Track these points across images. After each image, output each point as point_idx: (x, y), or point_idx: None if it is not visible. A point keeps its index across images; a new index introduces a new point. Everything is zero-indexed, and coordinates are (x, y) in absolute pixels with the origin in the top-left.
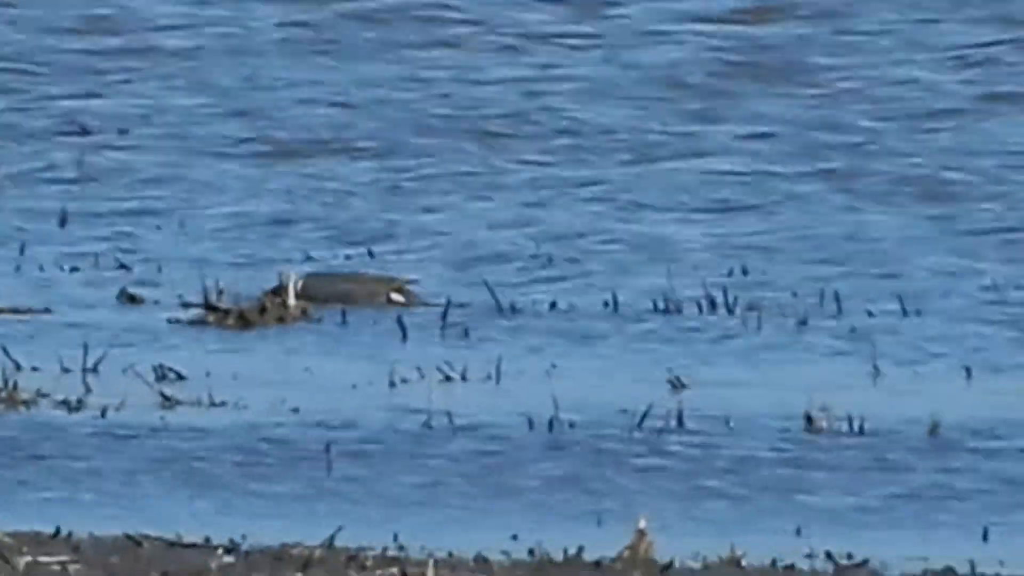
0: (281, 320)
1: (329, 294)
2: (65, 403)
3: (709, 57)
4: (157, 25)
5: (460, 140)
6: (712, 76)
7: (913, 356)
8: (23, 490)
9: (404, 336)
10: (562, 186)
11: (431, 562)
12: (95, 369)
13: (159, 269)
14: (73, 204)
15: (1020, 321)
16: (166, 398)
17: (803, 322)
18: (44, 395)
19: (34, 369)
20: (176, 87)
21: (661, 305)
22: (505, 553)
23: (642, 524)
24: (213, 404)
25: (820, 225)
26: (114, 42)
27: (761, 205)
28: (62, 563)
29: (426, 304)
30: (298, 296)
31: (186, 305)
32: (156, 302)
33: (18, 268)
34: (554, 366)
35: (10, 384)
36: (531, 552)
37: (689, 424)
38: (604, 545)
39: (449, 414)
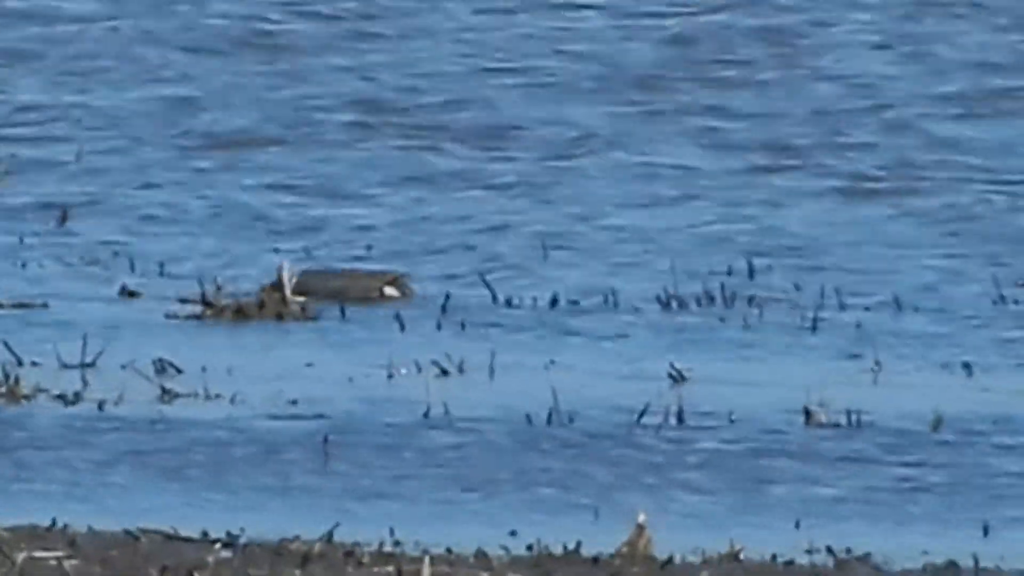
0: (279, 316)
1: (323, 289)
2: (63, 397)
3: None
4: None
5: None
6: None
7: (913, 351)
8: (21, 484)
9: (402, 330)
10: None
11: (427, 559)
12: (94, 364)
13: (161, 267)
14: (73, 198)
15: (1020, 317)
16: (165, 391)
17: (803, 317)
18: (43, 390)
19: (34, 364)
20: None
21: (663, 299)
22: (504, 548)
23: (641, 519)
24: (210, 398)
25: (820, 221)
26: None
27: (762, 200)
28: (59, 558)
29: (421, 298)
30: (293, 292)
31: (184, 301)
32: (155, 297)
33: (17, 263)
34: (553, 361)
35: (11, 379)
36: (530, 547)
37: (688, 418)
38: (603, 540)
39: (447, 408)
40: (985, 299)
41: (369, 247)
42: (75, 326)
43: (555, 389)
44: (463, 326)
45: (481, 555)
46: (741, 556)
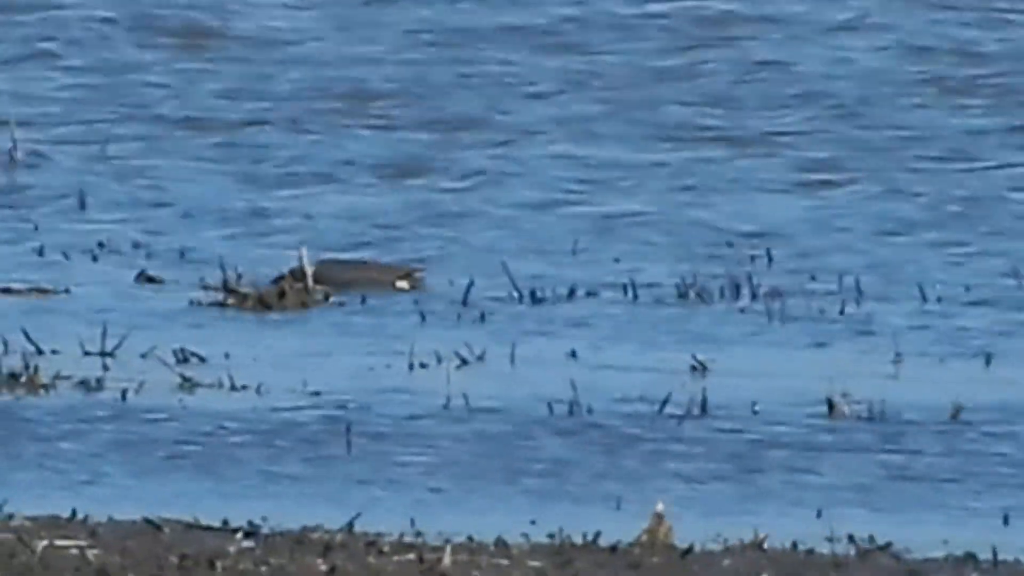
0: (303, 304)
1: (337, 281)
2: (84, 385)
3: None
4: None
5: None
6: None
7: (934, 343)
8: (42, 473)
9: (423, 320)
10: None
11: (448, 547)
12: (113, 353)
13: (181, 254)
14: (93, 186)
15: None
16: (186, 380)
17: (825, 308)
18: (64, 378)
19: (54, 352)
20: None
21: (683, 290)
22: (524, 537)
23: (660, 508)
24: (233, 388)
25: (840, 214)
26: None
27: (780, 191)
28: (80, 547)
29: (435, 292)
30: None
31: (206, 288)
32: (175, 282)
33: (37, 250)
34: (574, 353)
35: (31, 367)
36: (550, 536)
37: (711, 409)
38: (624, 529)
39: (467, 398)
40: (1006, 289)
41: (385, 239)
42: (95, 313)
43: (575, 380)
44: (482, 317)
45: (501, 544)
46: (764, 545)
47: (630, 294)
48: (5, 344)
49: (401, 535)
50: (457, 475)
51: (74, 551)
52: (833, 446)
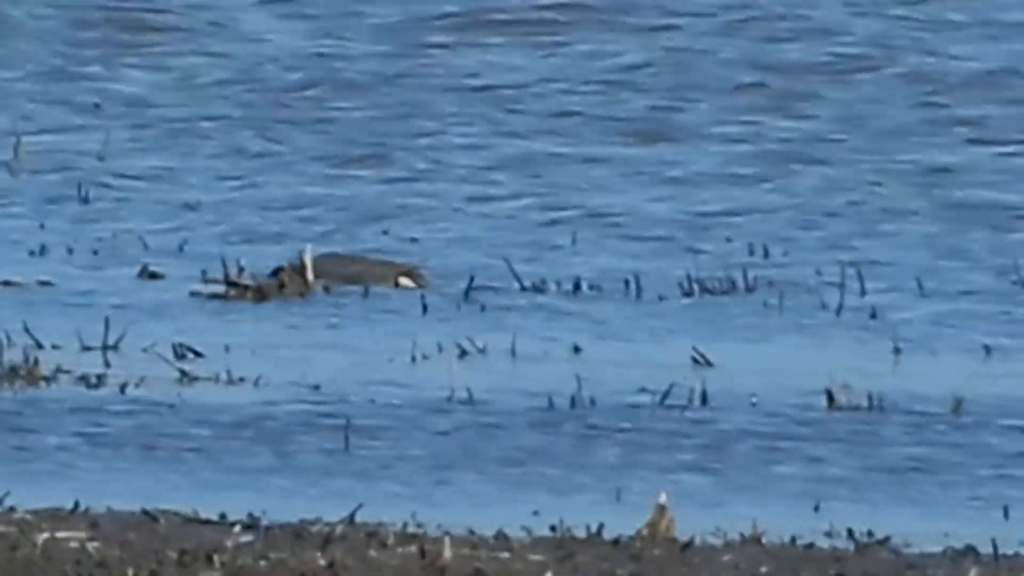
0: (301, 296)
1: (339, 275)
2: (84, 379)
3: None
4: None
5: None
6: None
7: (933, 335)
8: (42, 466)
9: (424, 312)
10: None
11: (449, 540)
12: (116, 346)
13: (180, 248)
14: (94, 179)
15: None
16: (184, 374)
17: (824, 301)
18: (64, 372)
19: (55, 347)
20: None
21: (685, 284)
22: (526, 530)
23: (662, 499)
24: (232, 381)
25: (840, 204)
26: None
27: (781, 184)
28: (80, 539)
29: (438, 288)
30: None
31: (207, 281)
32: (177, 278)
33: (40, 244)
34: (577, 349)
35: (31, 360)
36: (552, 529)
37: (712, 401)
38: (625, 522)
39: (469, 391)
40: (1005, 280)
41: (386, 232)
42: (96, 308)
43: (578, 373)
44: (483, 308)
45: (502, 536)
46: (762, 539)
47: (632, 287)
48: (7, 337)
49: (403, 527)
50: (458, 468)
51: (74, 544)
52: (832, 439)
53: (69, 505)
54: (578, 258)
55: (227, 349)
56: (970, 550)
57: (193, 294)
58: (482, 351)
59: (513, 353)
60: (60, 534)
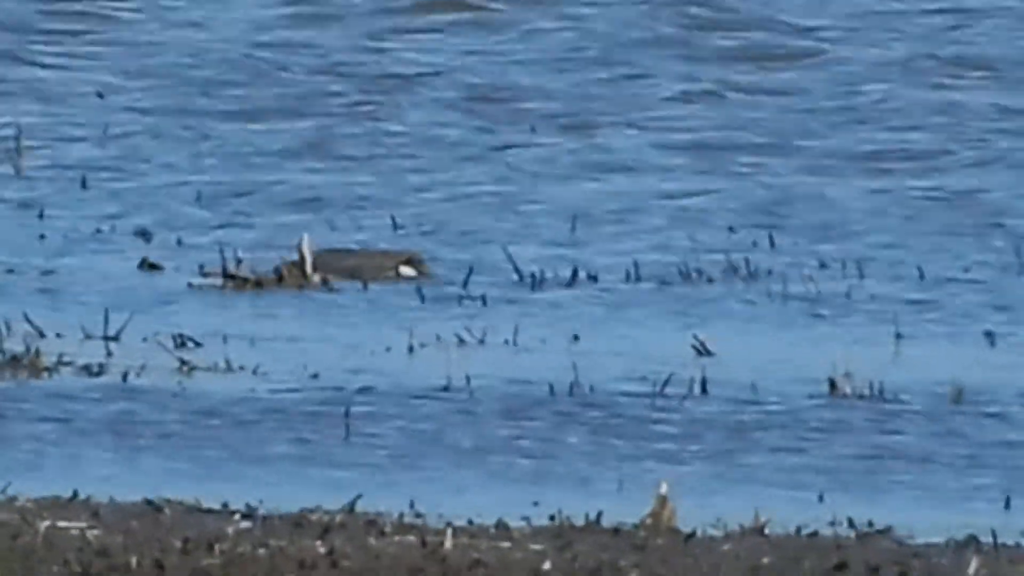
0: (300, 288)
1: (338, 267)
2: (86, 369)
3: None
4: None
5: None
6: None
7: (936, 323)
8: (44, 455)
9: (422, 303)
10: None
11: (449, 529)
12: (117, 337)
13: (178, 241)
14: (95, 169)
15: None
16: (184, 363)
17: (826, 289)
18: (66, 362)
19: (58, 336)
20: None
21: (685, 271)
22: (525, 519)
23: (663, 489)
24: (231, 370)
25: (842, 194)
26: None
27: (791, 172)
28: (81, 528)
29: (438, 278)
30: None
31: (205, 274)
32: (176, 270)
33: (40, 233)
34: (576, 337)
35: (32, 350)
36: (551, 518)
37: (712, 390)
38: (626, 511)
39: (468, 379)
40: (1008, 269)
41: (394, 221)
42: (96, 297)
43: (576, 361)
44: (484, 300)
45: (502, 526)
46: (765, 529)
47: (632, 276)
48: (8, 327)
49: (401, 516)
50: (457, 457)
51: (75, 532)
52: (834, 427)
53: (70, 494)
54: (579, 246)
55: (225, 339)
56: (972, 539)
57: (191, 286)
58: (481, 341)
59: (513, 343)
60: (61, 523)
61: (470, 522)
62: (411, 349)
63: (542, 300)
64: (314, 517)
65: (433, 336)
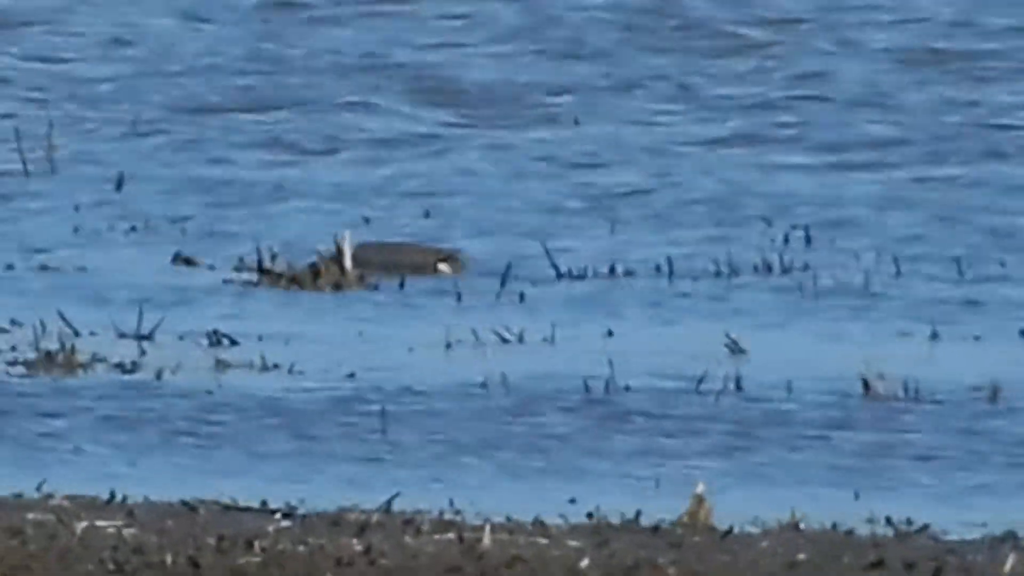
0: (337, 285)
1: (376, 262)
2: (121, 366)
3: None
4: None
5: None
6: None
7: (971, 321)
8: (80, 454)
9: (459, 300)
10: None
11: (487, 526)
12: (151, 336)
13: (210, 234)
14: (130, 166)
15: None
16: (220, 362)
17: (861, 286)
18: (101, 359)
19: (92, 334)
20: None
21: (719, 268)
22: (563, 517)
23: (700, 489)
24: (267, 368)
25: (873, 192)
26: None
27: (824, 168)
28: (117, 527)
29: (475, 275)
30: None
31: (240, 269)
32: (211, 266)
33: (75, 229)
34: (611, 333)
35: (67, 348)
36: (589, 516)
37: (746, 388)
38: (662, 509)
39: (505, 377)
40: None
41: (427, 214)
42: (131, 294)
43: (612, 359)
44: (522, 297)
45: (540, 523)
46: (801, 526)
47: (665, 271)
48: (42, 325)
49: (440, 514)
50: (494, 455)
51: (112, 531)
52: (869, 427)
53: (106, 494)
54: (614, 241)
55: (260, 337)
56: (1009, 536)
57: (227, 281)
58: (520, 338)
59: (550, 340)
60: (98, 522)
61: (508, 519)
62: (448, 346)
63: (578, 295)
64: (352, 516)
65: (470, 333)
